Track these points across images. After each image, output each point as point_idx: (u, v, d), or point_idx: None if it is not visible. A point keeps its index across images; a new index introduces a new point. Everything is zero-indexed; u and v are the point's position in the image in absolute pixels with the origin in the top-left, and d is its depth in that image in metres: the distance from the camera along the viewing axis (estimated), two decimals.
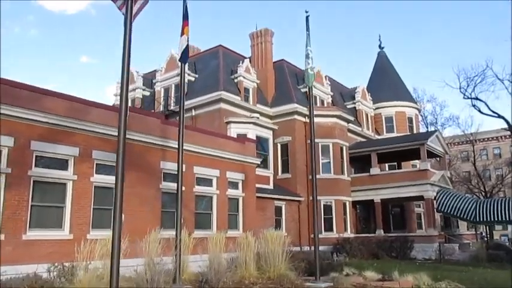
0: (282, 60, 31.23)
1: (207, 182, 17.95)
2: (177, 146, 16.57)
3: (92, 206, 13.75)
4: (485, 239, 29.68)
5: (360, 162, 30.74)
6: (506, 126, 35.79)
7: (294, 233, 25.22)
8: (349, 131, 31.16)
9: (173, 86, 27.89)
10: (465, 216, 25.42)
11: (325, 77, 32.37)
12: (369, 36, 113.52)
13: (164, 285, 10.08)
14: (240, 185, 19.40)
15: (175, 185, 16.53)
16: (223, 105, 24.76)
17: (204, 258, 12.61)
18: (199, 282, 10.83)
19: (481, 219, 24.93)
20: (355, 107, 34.71)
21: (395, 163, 33.59)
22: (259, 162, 20.53)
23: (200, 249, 13.06)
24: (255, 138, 24.21)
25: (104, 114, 14.56)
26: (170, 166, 16.20)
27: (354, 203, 29.38)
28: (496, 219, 24.56)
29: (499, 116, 35.70)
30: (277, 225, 24.28)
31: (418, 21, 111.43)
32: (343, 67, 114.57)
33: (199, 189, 17.47)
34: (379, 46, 41.42)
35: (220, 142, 18.72)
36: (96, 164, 14.11)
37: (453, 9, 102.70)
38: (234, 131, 24.02)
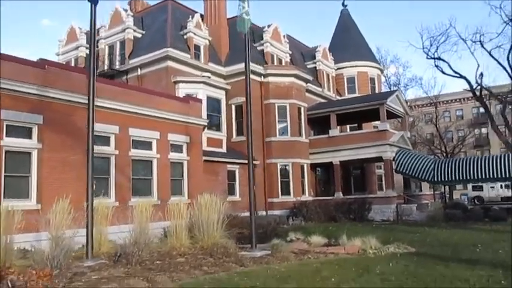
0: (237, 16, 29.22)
1: (145, 145, 16.41)
2: (108, 106, 15.03)
3: (3, 174, 12.08)
4: (444, 198, 29.50)
5: (320, 124, 29.75)
6: (468, 87, 35.21)
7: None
8: (309, 91, 29.94)
9: (118, 43, 25.70)
10: (423, 177, 24.97)
11: (284, 35, 30.73)
12: None
13: (70, 261, 8.73)
14: (184, 148, 17.95)
15: (107, 148, 15.09)
16: (170, 64, 22.92)
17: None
18: (115, 255, 9.49)
19: (439, 179, 24.53)
20: (315, 67, 33.34)
21: (356, 125, 32.77)
22: (206, 123, 19.06)
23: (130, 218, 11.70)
24: (205, 99, 22.68)
25: (16, 69, 12.68)
26: (100, 127, 14.57)
27: (313, 166, 28.54)
28: (454, 178, 24.18)
29: (461, 77, 34.98)
30: (231, 190, 23.20)
31: None
32: (307, 27, 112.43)
33: (136, 152, 15.93)
34: (342, 4, 39.79)
35: (160, 101, 17.09)
36: (7, 125, 12.34)
37: None
38: (182, 91, 22.32)
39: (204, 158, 20.70)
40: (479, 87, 34.44)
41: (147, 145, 16.46)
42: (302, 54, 34.37)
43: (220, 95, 24.35)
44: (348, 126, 33.90)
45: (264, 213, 24.42)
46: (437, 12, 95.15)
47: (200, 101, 19.35)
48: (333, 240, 12.69)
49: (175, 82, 22.74)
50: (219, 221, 11.57)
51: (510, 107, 39.20)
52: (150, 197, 16.11)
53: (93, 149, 10.11)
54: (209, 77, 24.19)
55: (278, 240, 11.92)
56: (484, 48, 33.56)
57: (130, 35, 25.13)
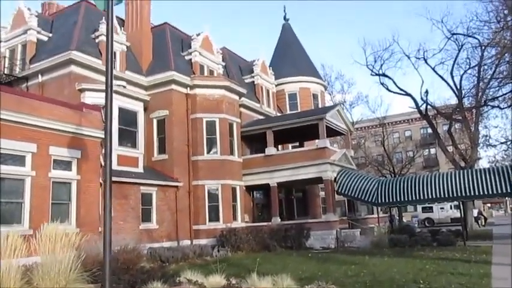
0: (165, 23, 26.53)
1: (16, 159, 12.95)
2: None
3: None
4: (391, 222, 27.30)
5: (257, 143, 27.00)
6: (413, 104, 33.81)
7: (170, 224, 20.96)
8: (245, 107, 27.34)
9: (19, 46, 22.12)
10: (366, 198, 22.60)
11: (221, 49, 28.30)
12: (276, 9, 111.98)
13: None
14: (74, 165, 14.58)
15: None
16: (75, 69, 19.62)
17: None
18: None
19: (383, 201, 22.22)
20: (253, 82, 30.85)
21: (298, 143, 30.33)
22: (104, 136, 15.78)
23: None
24: (117, 111, 19.53)
25: None
26: None
27: (250, 188, 25.65)
28: (398, 199, 21.92)
29: (407, 94, 33.70)
30: (146, 216, 19.83)
31: None
32: (249, 42, 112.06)
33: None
34: (284, 18, 37.86)
35: (39, 106, 13.76)
36: None
37: None
38: (89, 101, 18.96)
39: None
40: (425, 104, 33.20)
41: (18, 160, 13.01)
42: (240, 69, 31.88)
43: (138, 106, 21.21)
44: (290, 145, 31.48)
45: (188, 242, 21.19)
46: (379, 27, 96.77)
47: (98, 109, 16.08)
48: (236, 281, 9.72)
49: (81, 90, 19.48)
50: (71, 259, 8.33)
51: (456, 125, 38.27)
52: (19, 225, 12.60)
53: None
54: (124, 87, 21.07)
55: (159, 283, 8.81)
56: (428, 65, 32.45)
57: (33, 37, 21.68)
